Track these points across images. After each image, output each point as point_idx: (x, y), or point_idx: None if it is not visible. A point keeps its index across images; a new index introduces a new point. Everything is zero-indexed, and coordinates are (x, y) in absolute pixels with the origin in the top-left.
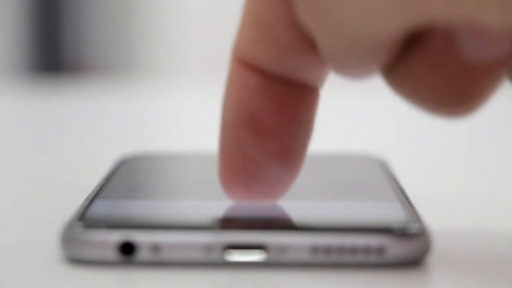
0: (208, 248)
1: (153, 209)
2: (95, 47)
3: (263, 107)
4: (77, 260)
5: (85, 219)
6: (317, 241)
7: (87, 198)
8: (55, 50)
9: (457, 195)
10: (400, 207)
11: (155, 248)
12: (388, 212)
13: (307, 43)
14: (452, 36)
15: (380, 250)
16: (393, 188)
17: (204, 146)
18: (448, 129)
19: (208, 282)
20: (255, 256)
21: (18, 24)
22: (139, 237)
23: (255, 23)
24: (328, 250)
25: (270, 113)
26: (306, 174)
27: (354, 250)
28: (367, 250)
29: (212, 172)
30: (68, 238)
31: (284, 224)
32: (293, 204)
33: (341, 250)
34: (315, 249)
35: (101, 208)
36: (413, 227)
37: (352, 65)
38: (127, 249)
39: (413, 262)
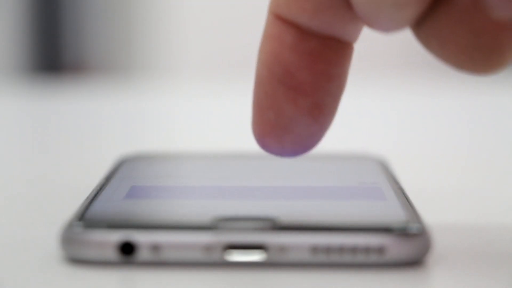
0: (208, 248)
1: (153, 209)
2: (95, 47)
3: (297, 62)
4: (77, 260)
5: (85, 219)
6: (317, 241)
7: (87, 198)
8: (55, 50)
9: (457, 195)
10: (400, 207)
11: (155, 248)
12: (388, 212)
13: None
14: None
15: (380, 250)
16: (393, 188)
17: (204, 146)
18: (448, 129)
19: (208, 282)
20: (255, 256)
21: (18, 24)
22: (139, 237)
23: None
24: (328, 250)
25: (303, 68)
26: (306, 174)
27: (354, 250)
28: (367, 250)
29: (212, 172)
30: (68, 238)
31: (284, 224)
32: (293, 204)
33: (341, 250)
34: (315, 249)
35: (101, 208)
36: (413, 227)
37: (383, 19)
38: (127, 249)
39: (413, 262)
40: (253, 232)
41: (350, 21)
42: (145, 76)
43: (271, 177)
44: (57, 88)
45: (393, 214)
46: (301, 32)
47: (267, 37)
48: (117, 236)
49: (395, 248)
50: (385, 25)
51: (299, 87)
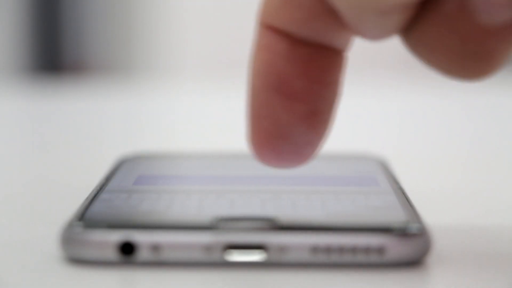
0: (208, 248)
1: (153, 209)
2: (95, 47)
3: (291, 70)
4: (77, 260)
5: (85, 219)
6: (317, 241)
7: (87, 198)
8: (55, 50)
9: (457, 195)
10: (400, 207)
11: (155, 248)
12: (388, 212)
13: (329, 7)
14: None
15: (380, 250)
16: (393, 188)
17: (204, 146)
18: (448, 129)
19: (208, 282)
20: (255, 256)
21: (18, 24)
22: (139, 237)
23: None
24: (328, 250)
25: (297, 76)
26: (306, 174)
27: (354, 250)
28: (367, 250)
29: (211, 172)
30: (68, 238)
31: (284, 224)
32: (293, 204)
33: (341, 250)
34: (315, 249)
35: (101, 208)
36: (413, 227)
37: (369, 27)
38: (127, 249)
39: (413, 262)
40: (253, 232)
41: (339, 30)
42: (145, 76)
43: (271, 177)
44: (57, 88)
45: (393, 214)
46: (293, 40)
47: (259, 47)
48: (117, 236)
49: (395, 248)
50: (371, 33)
51: (295, 95)
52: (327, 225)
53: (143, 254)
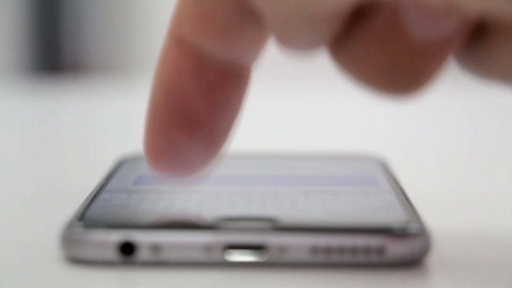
0: (208, 248)
1: (153, 209)
2: (95, 47)
3: (194, 91)
4: (77, 260)
5: (85, 219)
6: (317, 241)
7: (87, 198)
8: (55, 50)
9: (457, 195)
10: (400, 207)
11: (155, 248)
12: (388, 212)
13: (248, 19)
14: (398, 12)
15: (380, 250)
16: (393, 188)
17: None
18: (448, 129)
19: (208, 282)
20: (255, 256)
21: (18, 24)
22: (139, 237)
23: None
24: (328, 250)
25: (200, 98)
26: (306, 174)
27: (354, 250)
28: (367, 250)
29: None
30: (68, 238)
31: (284, 224)
32: (293, 204)
33: (341, 250)
34: (315, 249)
35: (101, 208)
36: (413, 227)
37: (296, 37)
38: (127, 249)
39: (413, 262)
40: (253, 232)
41: (254, 43)
42: (145, 76)
43: (271, 177)
44: (57, 88)
45: (393, 214)
46: (200, 60)
47: (165, 62)
48: (117, 236)
49: (395, 248)
50: (297, 45)
51: (194, 118)
52: (327, 225)
53: (143, 254)
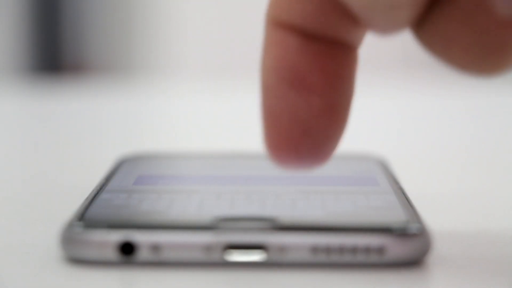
0: (208, 248)
1: (153, 209)
2: (95, 47)
3: (305, 64)
4: (77, 260)
5: (85, 219)
6: (317, 241)
7: (87, 198)
8: (55, 50)
9: (457, 195)
10: (400, 207)
11: (155, 248)
12: (388, 212)
13: (339, 1)
14: None
15: (380, 250)
16: (393, 188)
17: (204, 146)
18: (449, 130)
19: (208, 282)
20: (255, 256)
21: (18, 24)
22: (139, 237)
23: None
24: (328, 250)
25: (312, 69)
26: (306, 174)
27: (354, 250)
28: (367, 250)
29: (211, 172)
30: (68, 238)
31: (284, 224)
32: (293, 204)
33: (341, 250)
34: (315, 249)
35: (101, 208)
36: (413, 227)
37: (379, 21)
38: (127, 249)
39: (413, 262)
40: (253, 232)
41: (351, 25)
42: (145, 76)
43: (271, 177)
44: (57, 88)
45: (393, 214)
46: (304, 35)
47: (270, 44)
48: (117, 236)
49: (395, 248)
50: (382, 27)
51: (311, 88)
52: (327, 225)
53: (143, 254)
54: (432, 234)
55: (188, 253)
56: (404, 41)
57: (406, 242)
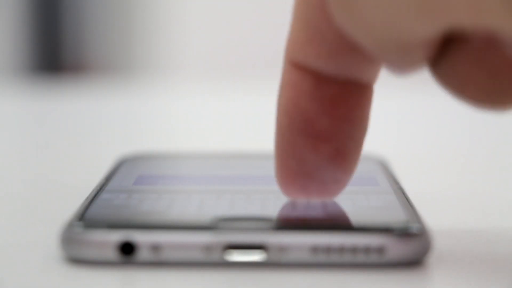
0: (208, 248)
1: (153, 209)
2: (95, 47)
3: (316, 108)
4: (77, 260)
5: (85, 219)
6: (317, 241)
7: (87, 198)
8: (55, 50)
9: (457, 195)
10: (400, 207)
11: (155, 248)
12: (388, 212)
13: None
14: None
15: (380, 250)
16: (393, 188)
17: (204, 146)
18: (448, 129)
19: (208, 282)
20: (255, 256)
21: (18, 24)
22: (139, 237)
23: (304, 24)
24: (328, 250)
25: (322, 114)
26: None
27: (354, 250)
28: (367, 250)
29: (211, 172)
30: (68, 238)
31: (284, 224)
32: (293, 204)
33: (341, 250)
34: (315, 249)
35: (101, 208)
36: (413, 227)
37: (394, 61)
38: (127, 249)
39: (413, 262)
40: (253, 232)
41: (365, 63)
42: (145, 76)
43: (271, 177)
44: (57, 88)
45: (393, 214)
46: (318, 78)
47: (285, 85)
48: (117, 236)
49: (395, 248)
50: (397, 66)
51: (320, 134)
52: (327, 225)
53: (143, 254)
54: (432, 234)
55: (188, 253)
56: None
57: (406, 242)
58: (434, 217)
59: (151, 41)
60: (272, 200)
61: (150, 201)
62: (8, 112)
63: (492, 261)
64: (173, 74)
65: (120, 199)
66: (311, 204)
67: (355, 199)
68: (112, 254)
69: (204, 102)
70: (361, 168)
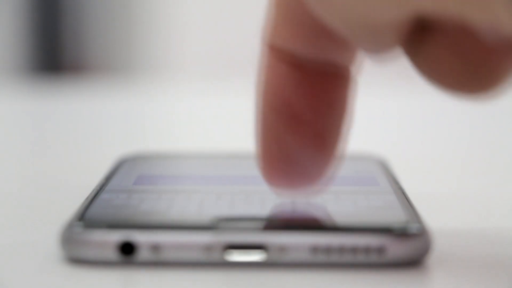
0: (208, 248)
1: (153, 209)
2: (95, 47)
3: (295, 92)
4: (77, 260)
5: (85, 219)
6: (317, 241)
7: (87, 198)
8: (55, 50)
9: (457, 195)
10: (400, 207)
11: (155, 248)
12: (388, 212)
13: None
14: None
15: (380, 250)
16: (393, 188)
17: (204, 146)
18: (448, 130)
19: (208, 282)
20: (255, 256)
21: (18, 24)
22: (139, 237)
23: (281, 8)
24: (328, 250)
25: (301, 98)
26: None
27: (354, 250)
28: (367, 250)
29: (211, 172)
30: (68, 238)
31: (284, 224)
32: (293, 204)
33: (341, 250)
34: (315, 249)
35: (101, 208)
36: (413, 227)
37: (366, 43)
38: (127, 249)
39: (413, 262)
40: (253, 232)
41: (342, 47)
42: (145, 76)
43: None
44: (57, 88)
45: (393, 214)
46: (296, 61)
47: (264, 68)
48: (117, 236)
49: (395, 248)
50: (370, 48)
51: (299, 117)
52: (327, 225)
53: (143, 254)
54: (432, 234)
55: (188, 253)
56: None
57: (406, 242)
58: (434, 217)
59: (151, 42)
60: (272, 200)
61: (150, 201)
62: (8, 112)
63: (492, 261)
64: (173, 74)
65: (120, 199)
66: (311, 204)
67: (355, 199)
68: (112, 254)
69: (204, 102)
70: (361, 168)
